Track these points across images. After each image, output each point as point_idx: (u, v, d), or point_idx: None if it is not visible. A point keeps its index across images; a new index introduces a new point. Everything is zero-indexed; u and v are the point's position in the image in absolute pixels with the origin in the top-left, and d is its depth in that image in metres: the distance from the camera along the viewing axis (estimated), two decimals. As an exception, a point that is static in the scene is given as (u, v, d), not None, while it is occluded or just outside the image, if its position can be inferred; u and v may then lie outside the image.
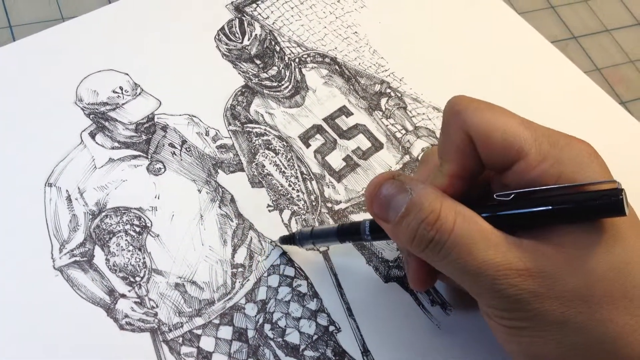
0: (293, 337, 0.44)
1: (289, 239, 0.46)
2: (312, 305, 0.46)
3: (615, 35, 0.65)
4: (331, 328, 0.45)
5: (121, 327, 0.42)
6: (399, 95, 0.58)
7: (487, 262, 0.34)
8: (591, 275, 0.33)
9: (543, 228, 0.35)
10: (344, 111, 0.56)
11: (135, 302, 0.43)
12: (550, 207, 0.35)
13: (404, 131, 0.56)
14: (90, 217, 0.46)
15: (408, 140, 0.55)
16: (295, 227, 0.49)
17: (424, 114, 0.57)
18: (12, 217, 0.45)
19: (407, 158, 0.54)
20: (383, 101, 0.57)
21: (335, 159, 0.53)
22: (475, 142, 0.36)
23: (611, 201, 0.33)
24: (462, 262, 0.34)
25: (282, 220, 0.49)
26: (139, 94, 0.52)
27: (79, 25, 0.56)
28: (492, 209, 0.37)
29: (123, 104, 0.51)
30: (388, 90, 0.58)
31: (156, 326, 0.43)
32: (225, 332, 0.43)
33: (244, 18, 0.59)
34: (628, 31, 0.67)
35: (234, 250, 0.47)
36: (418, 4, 0.63)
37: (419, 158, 0.53)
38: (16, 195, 0.46)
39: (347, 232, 0.43)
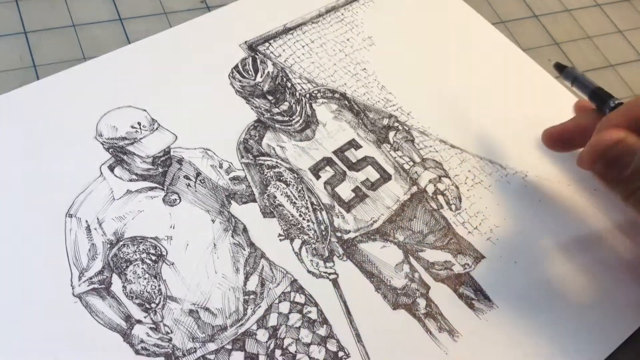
0: (303, 363, 0.45)
1: (560, 67, 0.56)
2: (322, 331, 0.47)
3: (619, 70, 0.67)
4: (340, 354, 0.46)
5: (137, 352, 0.44)
6: (407, 128, 0.59)
7: None
8: None
9: None
10: (353, 144, 0.58)
11: (151, 328, 0.45)
12: None
13: (411, 163, 0.57)
14: (109, 246, 0.48)
15: (416, 172, 0.57)
16: (305, 256, 0.50)
17: (431, 146, 0.59)
18: (34, 247, 0.47)
19: (414, 189, 0.56)
20: (391, 134, 0.59)
21: (345, 190, 0.55)
22: None
23: None
24: None
25: (293, 249, 0.51)
26: (156, 129, 0.54)
27: (100, 65, 0.58)
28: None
29: (141, 138, 0.54)
30: (396, 124, 0.60)
31: (171, 351, 0.44)
32: (237, 357, 0.45)
33: (257, 56, 0.61)
34: (631, 66, 0.69)
35: (246, 278, 0.48)
36: (425, 42, 0.66)
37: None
38: (38, 226, 0.48)
39: (598, 96, 0.53)
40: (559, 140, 0.57)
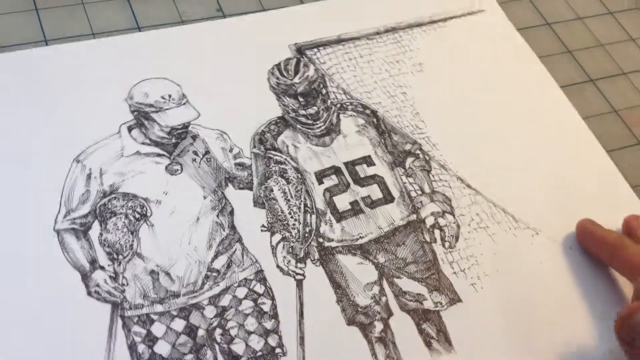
0: (238, 348, 0.46)
1: None
2: (268, 325, 0.47)
3: (631, 78, 0.65)
4: (277, 350, 0.46)
5: (88, 294, 0.46)
6: (427, 158, 0.59)
7: None
8: None
9: None
10: (367, 160, 0.58)
11: (110, 276, 0.47)
12: None
13: (420, 192, 0.57)
14: (101, 195, 0.51)
15: (421, 201, 0.56)
16: (280, 251, 0.51)
17: (446, 181, 0.58)
18: (35, 179, 0.50)
19: (413, 217, 0.55)
20: (409, 160, 0.58)
21: (342, 201, 0.55)
22: None
23: None
24: None
25: (270, 242, 0.51)
26: (184, 104, 0.57)
27: (152, 37, 0.62)
28: None
29: (166, 109, 0.56)
30: (417, 152, 0.59)
31: (119, 301, 0.46)
32: (178, 324, 0.46)
33: (302, 59, 0.63)
34: None
35: (215, 256, 0.49)
36: (473, 81, 0.65)
37: None
38: (45, 162, 0.51)
39: None
40: (591, 241, 0.54)
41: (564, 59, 0.67)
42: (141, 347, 0.45)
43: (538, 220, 0.56)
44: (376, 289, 0.50)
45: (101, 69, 0.58)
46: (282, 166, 0.56)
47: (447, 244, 0.53)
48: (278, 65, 0.61)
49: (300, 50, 0.64)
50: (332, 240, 0.52)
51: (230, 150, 0.55)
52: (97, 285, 0.46)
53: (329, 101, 0.60)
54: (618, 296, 0.53)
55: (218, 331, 0.46)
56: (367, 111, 0.61)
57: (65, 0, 0.62)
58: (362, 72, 0.64)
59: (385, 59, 0.65)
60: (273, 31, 0.65)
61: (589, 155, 0.61)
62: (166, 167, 0.53)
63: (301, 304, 0.48)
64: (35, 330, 0.44)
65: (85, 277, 0.47)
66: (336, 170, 0.56)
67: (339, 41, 0.65)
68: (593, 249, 0.53)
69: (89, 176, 0.52)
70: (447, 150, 0.60)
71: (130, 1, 0.63)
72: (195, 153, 0.55)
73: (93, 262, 0.48)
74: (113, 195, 0.51)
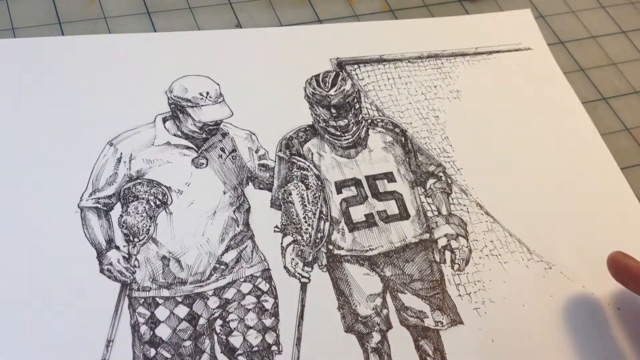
0: (236, 341, 0.47)
1: None
2: (268, 322, 0.48)
3: None
4: (274, 348, 0.47)
5: (101, 271, 0.48)
6: (449, 181, 0.59)
7: None
8: None
9: None
10: (388, 176, 0.58)
11: (124, 257, 0.49)
12: None
13: (436, 212, 0.57)
14: (127, 179, 0.53)
15: (436, 222, 0.56)
16: (289, 253, 0.52)
17: (465, 206, 0.58)
18: (71, 156, 0.53)
19: (426, 236, 0.56)
20: (430, 181, 0.59)
21: (358, 212, 0.56)
22: None
23: None
24: None
25: (281, 243, 0.53)
26: (219, 102, 0.59)
27: (205, 37, 0.65)
28: None
29: (202, 105, 0.59)
30: (441, 174, 0.59)
31: (129, 281, 0.48)
32: (181, 310, 0.48)
33: (341, 73, 0.64)
34: None
35: (226, 250, 0.51)
36: (509, 113, 0.65)
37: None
38: (83, 142, 0.54)
39: None
40: (626, 274, 0.52)
41: (576, 77, 0.67)
42: (143, 328, 0.47)
43: (553, 254, 0.56)
44: (379, 300, 0.51)
45: (148, 60, 0.61)
46: (304, 172, 0.57)
47: (456, 267, 0.54)
48: (317, 76, 0.63)
49: (340, 64, 0.65)
50: (342, 248, 0.53)
51: (257, 151, 0.57)
52: (110, 263, 0.48)
53: (360, 116, 0.62)
54: (627, 340, 0.52)
55: (219, 322, 0.47)
56: (397, 129, 0.62)
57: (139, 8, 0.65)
58: (399, 92, 0.65)
59: (424, 83, 0.66)
60: (318, 44, 0.66)
61: (614, 198, 0.60)
62: (192, 160, 0.55)
63: (302, 306, 0.49)
64: (46, 300, 0.46)
65: (101, 255, 0.49)
66: (356, 182, 0.57)
67: (380, 61, 0.66)
68: (629, 283, 0.51)
69: (119, 160, 0.54)
70: (470, 176, 0.60)
71: (192, 10, 0.66)
72: (223, 150, 0.57)
73: (110, 241, 0.50)
74: (138, 181, 0.53)
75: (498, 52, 0.70)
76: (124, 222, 0.51)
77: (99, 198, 0.52)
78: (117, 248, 0.50)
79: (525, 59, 0.70)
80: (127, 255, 0.49)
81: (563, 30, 0.74)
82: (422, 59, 0.68)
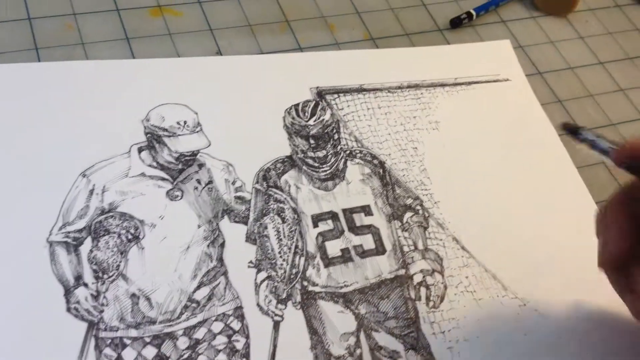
0: (205, 382, 0.46)
1: (573, 129, 0.47)
2: (239, 362, 0.48)
3: (620, 128, 0.65)
4: (243, 389, 0.46)
5: (67, 309, 0.47)
6: (426, 215, 0.59)
7: None
8: None
9: None
10: (365, 210, 0.58)
11: (92, 295, 0.48)
12: None
13: (413, 247, 0.57)
14: (99, 212, 0.52)
15: (412, 257, 0.56)
16: (263, 290, 0.52)
17: (441, 240, 0.58)
18: (42, 188, 0.52)
19: (402, 272, 0.55)
20: (407, 215, 0.59)
21: (334, 247, 0.55)
22: None
23: None
24: None
25: (255, 279, 0.52)
26: (197, 131, 0.58)
27: (184, 64, 0.64)
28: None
29: (179, 135, 0.58)
30: (418, 207, 0.59)
31: (96, 321, 0.47)
32: (149, 352, 0.47)
33: (320, 102, 0.64)
34: (633, 125, 0.69)
35: (198, 287, 0.50)
36: (488, 147, 0.65)
37: None
38: (55, 173, 0.53)
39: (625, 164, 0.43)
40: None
41: (554, 109, 0.68)
42: (110, 370, 0.46)
43: (527, 293, 0.55)
44: (352, 339, 0.50)
45: (126, 88, 0.60)
46: (281, 205, 0.56)
47: (431, 304, 0.53)
48: (296, 106, 0.63)
49: (320, 94, 0.65)
50: (317, 284, 0.53)
51: (233, 183, 0.57)
52: (78, 302, 0.48)
53: (339, 147, 0.61)
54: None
55: (187, 363, 0.46)
56: (375, 161, 0.61)
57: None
58: (378, 122, 0.64)
59: (403, 113, 0.66)
60: (298, 72, 0.66)
61: (593, 236, 0.60)
62: (167, 192, 0.55)
63: (274, 347, 0.49)
64: (7, 340, 0.45)
65: (68, 292, 0.48)
66: (333, 216, 0.57)
67: (360, 90, 0.66)
68: None
69: (91, 192, 0.53)
70: (447, 210, 0.60)
71: (172, 36, 0.65)
72: (199, 181, 0.56)
73: (78, 278, 0.49)
74: (110, 214, 0.52)
75: (477, 82, 0.70)
76: (93, 258, 0.50)
77: (69, 232, 0.51)
78: (86, 285, 0.49)
79: (504, 90, 0.70)
80: (95, 293, 0.48)
81: (542, 60, 0.74)
82: (402, 89, 0.68)
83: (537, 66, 0.73)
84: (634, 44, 0.78)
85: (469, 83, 0.69)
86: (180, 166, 0.56)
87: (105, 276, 0.49)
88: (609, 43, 0.77)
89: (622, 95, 0.72)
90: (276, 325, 0.50)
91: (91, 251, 0.50)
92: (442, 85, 0.69)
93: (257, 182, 0.57)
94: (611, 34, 0.78)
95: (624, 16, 0.80)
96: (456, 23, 0.74)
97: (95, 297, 0.48)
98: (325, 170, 0.59)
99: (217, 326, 0.49)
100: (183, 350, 0.47)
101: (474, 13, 0.74)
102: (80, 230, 0.51)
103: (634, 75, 0.75)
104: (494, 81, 0.70)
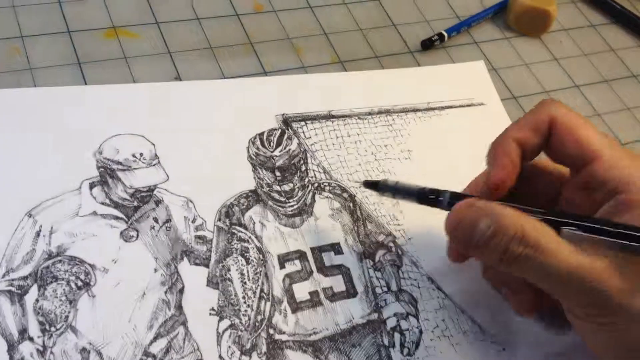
0: None
1: (372, 184, 0.51)
2: (198, 423, 0.44)
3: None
4: None
5: (11, 367, 0.43)
6: (399, 252, 0.56)
7: (576, 265, 0.40)
8: None
9: None
10: (335, 248, 0.55)
11: (37, 350, 0.44)
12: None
13: (385, 289, 0.53)
14: (46, 256, 0.48)
15: (385, 300, 0.53)
16: (225, 340, 0.48)
17: (415, 279, 0.55)
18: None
19: (374, 316, 0.52)
20: (380, 253, 0.55)
21: (302, 290, 0.52)
22: (557, 130, 0.45)
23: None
24: (552, 269, 0.40)
25: (217, 328, 0.48)
26: (154, 165, 0.54)
27: (141, 90, 0.60)
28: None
29: (135, 168, 0.54)
30: (390, 245, 0.56)
31: (41, 380, 0.43)
32: (100, 412, 0.43)
33: (287, 131, 0.60)
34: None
35: (155, 339, 0.46)
36: (459, 172, 0.62)
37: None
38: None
39: (427, 197, 0.49)
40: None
41: None
42: None
43: (506, 335, 0.52)
44: (322, 393, 0.47)
45: (77, 117, 0.56)
46: (245, 244, 0.53)
47: (405, 350, 0.50)
48: (261, 135, 0.59)
49: (286, 121, 0.61)
50: (284, 332, 0.49)
51: (193, 221, 0.53)
52: (22, 358, 0.43)
53: (306, 179, 0.58)
54: None
55: None
56: (345, 194, 0.58)
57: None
58: (347, 152, 0.61)
59: (374, 141, 0.63)
60: (263, 98, 0.62)
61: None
62: (121, 233, 0.51)
63: (237, 405, 0.45)
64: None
65: (12, 348, 0.44)
66: (301, 255, 0.53)
67: (329, 117, 0.63)
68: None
69: (37, 233, 0.49)
70: (421, 247, 0.57)
71: (127, 60, 0.61)
72: (156, 220, 0.52)
73: (23, 331, 0.45)
74: (58, 258, 0.48)
75: (450, 107, 0.67)
76: (39, 308, 0.46)
77: (13, 279, 0.46)
78: (31, 339, 0.44)
79: (478, 115, 0.68)
80: (41, 348, 0.44)
81: (516, 84, 0.72)
82: (373, 115, 0.65)
83: (511, 90, 0.70)
84: (609, 65, 0.76)
85: (442, 108, 0.67)
86: (135, 203, 0.52)
87: (53, 329, 0.45)
88: (584, 65, 0.75)
89: (599, 120, 0.70)
90: (240, 380, 0.46)
91: (37, 301, 0.46)
92: (415, 110, 0.66)
93: (220, 220, 0.53)
94: (586, 55, 0.76)
95: (599, 36, 0.78)
96: (427, 44, 0.71)
97: (42, 353, 0.44)
98: (292, 205, 0.56)
99: (175, 383, 0.45)
100: (138, 411, 0.43)
101: (445, 34, 0.72)
102: (25, 278, 0.47)
103: (610, 98, 0.73)
104: (468, 105, 0.67)
